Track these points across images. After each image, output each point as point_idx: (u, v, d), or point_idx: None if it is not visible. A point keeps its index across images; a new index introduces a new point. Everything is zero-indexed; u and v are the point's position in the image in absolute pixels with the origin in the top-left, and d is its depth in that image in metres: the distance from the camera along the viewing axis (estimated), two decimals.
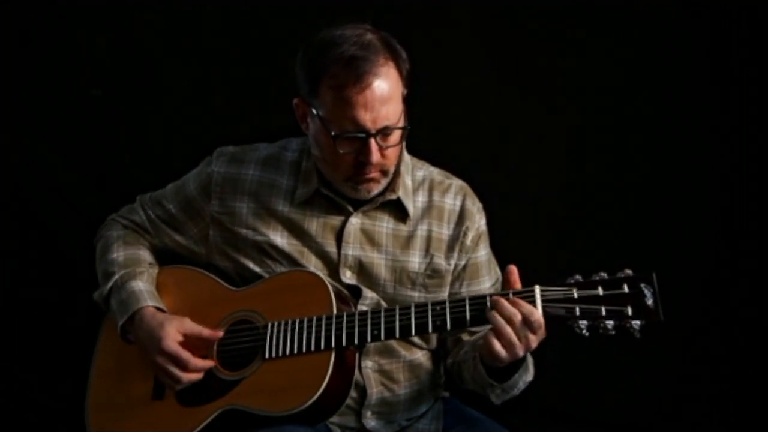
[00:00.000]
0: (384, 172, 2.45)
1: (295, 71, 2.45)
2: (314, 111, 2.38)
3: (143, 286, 2.57)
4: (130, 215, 2.76)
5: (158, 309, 2.54)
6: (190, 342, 2.46)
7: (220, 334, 2.47)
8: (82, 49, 3.59)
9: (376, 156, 2.36)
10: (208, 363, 2.46)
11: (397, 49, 2.40)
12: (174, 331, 2.45)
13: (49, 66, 3.59)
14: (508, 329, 2.20)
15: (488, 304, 2.26)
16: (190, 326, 2.47)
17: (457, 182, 2.68)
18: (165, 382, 2.48)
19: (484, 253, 2.66)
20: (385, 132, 2.36)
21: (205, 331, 2.47)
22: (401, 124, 2.40)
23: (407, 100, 2.43)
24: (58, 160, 3.59)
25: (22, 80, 3.59)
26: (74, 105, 3.60)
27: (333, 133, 2.34)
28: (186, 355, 2.43)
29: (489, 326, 2.24)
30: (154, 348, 2.45)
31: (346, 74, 2.29)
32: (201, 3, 3.53)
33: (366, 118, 2.31)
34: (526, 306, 2.20)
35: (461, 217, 2.62)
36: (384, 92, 2.32)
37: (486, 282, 2.65)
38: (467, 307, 2.29)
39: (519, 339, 2.20)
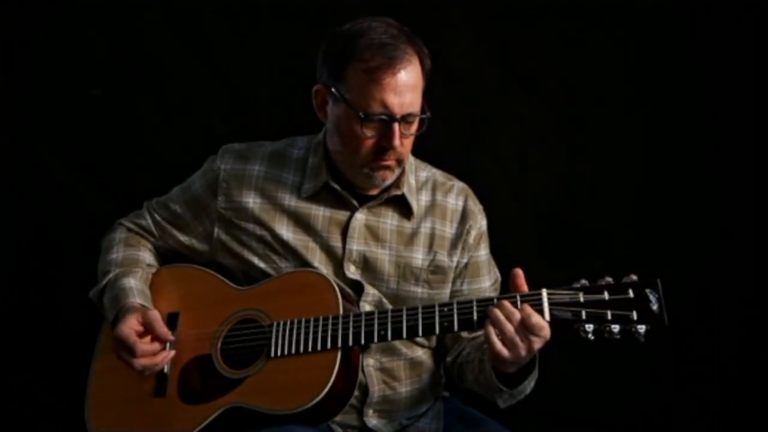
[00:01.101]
0: (399, 162, 2.49)
1: (317, 61, 2.49)
2: (340, 95, 2.41)
3: (134, 283, 2.58)
4: (136, 219, 2.78)
5: (145, 307, 2.54)
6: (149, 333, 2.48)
7: (172, 337, 2.47)
8: (82, 49, 3.58)
9: (398, 141, 2.40)
10: (154, 346, 2.45)
11: (420, 44, 2.46)
12: (134, 320, 2.45)
13: (49, 66, 3.58)
14: (509, 326, 2.21)
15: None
16: (150, 319, 2.46)
17: (459, 184, 2.72)
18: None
19: (484, 252, 2.69)
20: (408, 119, 2.41)
21: (159, 329, 2.45)
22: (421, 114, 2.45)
23: (425, 96, 2.47)
24: (58, 161, 3.58)
25: (22, 80, 3.58)
26: (74, 105, 3.59)
27: (361, 114, 2.37)
28: (132, 339, 2.42)
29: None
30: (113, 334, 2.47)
31: (380, 57, 2.35)
32: (201, 3, 3.53)
33: (394, 101, 2.36)
34: (527, 309, 2.21)
35: (464, 216, 2.66)
36: (411, 80, 2.39)
37: (486, 281, 2.68)
38: (474, 308, 2.29)
39: (520, 339, 2.21)
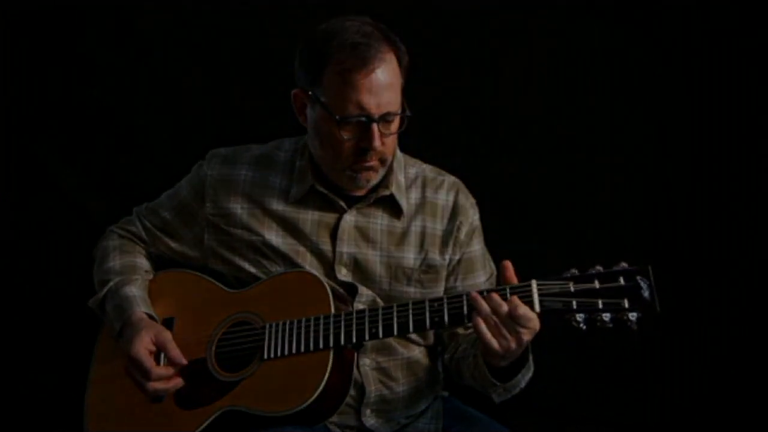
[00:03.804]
0: (382, 161, 2.47)
1: (294, 64, 2.47)
2: (316, 98, 2.40)
3: (136, 291, 2.59)
4: (127, 226, 2.78)
5: (149, 316, 2.56)
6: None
7: (184, 361, 2.47)
8: (82, 49, 3.58)
9: (378, 141, 2.38)
10: (169, 371, 2.46)
11: (396, 41, 2.43)
12: (148, 339, 2.46)
13: (49, 66, 3.58)
14: (496, 318, 2.20)
15: None
16: (163, 340, 2.48)
17: (449, 178, 2.69)
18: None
19: (478, 247, 2.66)
20: (387, 118, 2.38)
21: (173, 352, 2.46)
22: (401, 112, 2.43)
23: (404, 92, 2.44)
24: (59, 161, 3.60)
25: (23, 80, 3.59)
26: (74, 105, 3.60)
27: (337, 117, 2.35)
28: (148, 363, 2.44)
29: None
30: (126, 352, 2.47)
31: (353, 59, 2.32)
32: (202, 3, 3.52)
33: (371, 102, 2.34)
34: (514, 300, 2.20)
35: (454, 212, 2.62)
36: (387, 79, 2.36)
37: (481, 276, 2.65)
38: (464, 302, 2.29)
39: (508, 331, 2.20)
